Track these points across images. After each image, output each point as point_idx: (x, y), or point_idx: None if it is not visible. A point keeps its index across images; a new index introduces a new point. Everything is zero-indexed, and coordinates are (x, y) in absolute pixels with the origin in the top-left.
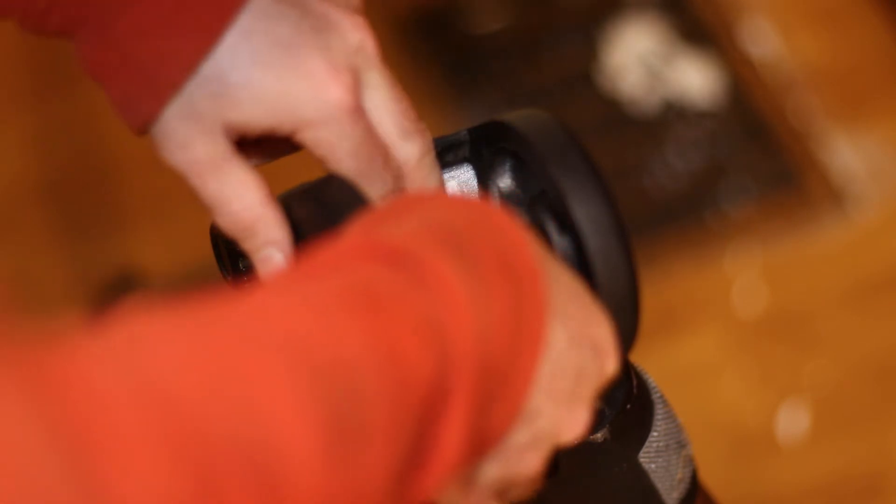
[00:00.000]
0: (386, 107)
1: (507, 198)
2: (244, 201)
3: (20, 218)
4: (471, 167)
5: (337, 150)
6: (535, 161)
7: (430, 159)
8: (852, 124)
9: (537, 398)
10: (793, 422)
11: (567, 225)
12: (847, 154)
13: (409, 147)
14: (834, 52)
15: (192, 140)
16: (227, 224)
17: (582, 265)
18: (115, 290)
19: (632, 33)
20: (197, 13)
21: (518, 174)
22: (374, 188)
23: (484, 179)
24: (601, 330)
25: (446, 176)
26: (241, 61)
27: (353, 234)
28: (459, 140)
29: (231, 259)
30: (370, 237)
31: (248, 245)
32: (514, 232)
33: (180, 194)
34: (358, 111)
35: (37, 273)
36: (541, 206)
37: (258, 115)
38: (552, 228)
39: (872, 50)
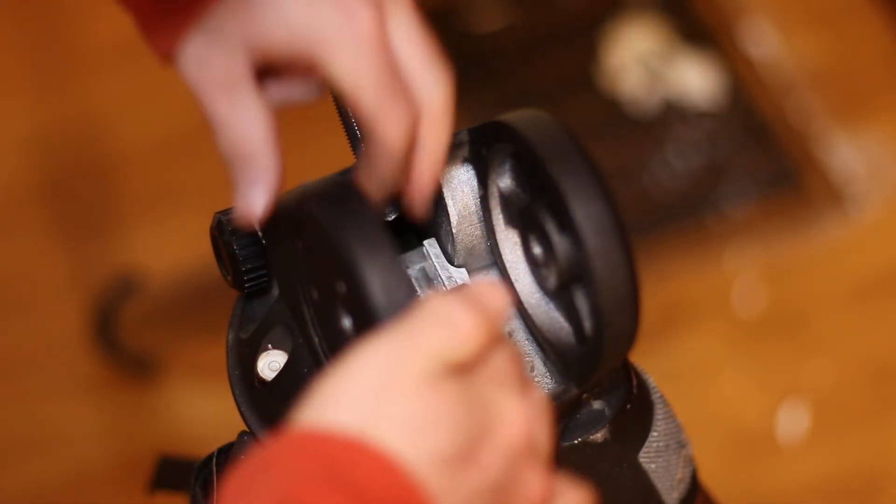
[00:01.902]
0: (411, 38)
1: (507, 198)
2: (247, 130)
3: (20, 218)
4: (471, 167)
5: (360, 79)
6: (535, 161)
7: (450, 113)
8: (852, 124)
9: None
10: (792, 422)
11: (567, 225)
12: (847, 154)
13: (432, 78)
14: (834, 52)
15: (212, 56)
16: (224, 148)
17: (582, 265)
18: (115, 290)
19: (632, 33)
20: None
21: (518, 174)
22: (390, 125)
23: (484, 179)
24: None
25: (446, 176)
26: None
27: None
28: (459, 140)
29: (231, 259)
30: None
31: (235, 175)
32: (371, 463)
33: (180, 194)
34: (384, 40)
35: (37, 273)
36: (541, 205)
37: (283, 37)
38: (552, 228)
39: (872, 50)
